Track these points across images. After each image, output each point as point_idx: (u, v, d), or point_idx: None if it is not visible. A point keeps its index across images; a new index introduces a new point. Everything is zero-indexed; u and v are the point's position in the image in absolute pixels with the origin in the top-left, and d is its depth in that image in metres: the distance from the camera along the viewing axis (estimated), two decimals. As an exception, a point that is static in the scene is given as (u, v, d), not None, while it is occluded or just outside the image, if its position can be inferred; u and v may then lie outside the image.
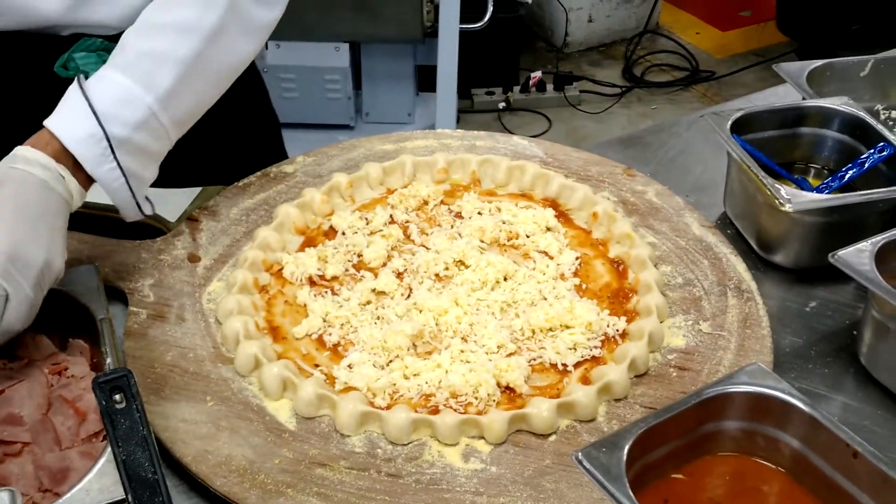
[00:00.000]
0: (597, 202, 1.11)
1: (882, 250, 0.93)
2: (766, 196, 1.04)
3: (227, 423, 0.86)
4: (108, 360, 0.82)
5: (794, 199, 1.01)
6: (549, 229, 1.09)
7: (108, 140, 0.87)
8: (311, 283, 1.01)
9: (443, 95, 2.63)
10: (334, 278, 1.02)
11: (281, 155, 1.40)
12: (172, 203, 1.09)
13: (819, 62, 1.31)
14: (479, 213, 1.11)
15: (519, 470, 0.83)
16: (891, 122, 1.36)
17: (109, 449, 0.70)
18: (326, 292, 1.00)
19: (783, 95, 1.41)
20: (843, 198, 1.05)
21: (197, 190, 1.13)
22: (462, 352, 0.92)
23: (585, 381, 0.90)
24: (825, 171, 1.21)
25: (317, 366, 0.92)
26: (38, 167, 0.85)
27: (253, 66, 1.32)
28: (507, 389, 0.90)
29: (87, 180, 0.89)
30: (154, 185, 0.96)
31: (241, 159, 1.23)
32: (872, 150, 1.13)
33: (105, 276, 0.99)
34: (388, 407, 0.87)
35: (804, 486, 0.76)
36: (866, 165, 1.13)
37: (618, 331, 0.96)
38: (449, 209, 1.13)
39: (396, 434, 0.85)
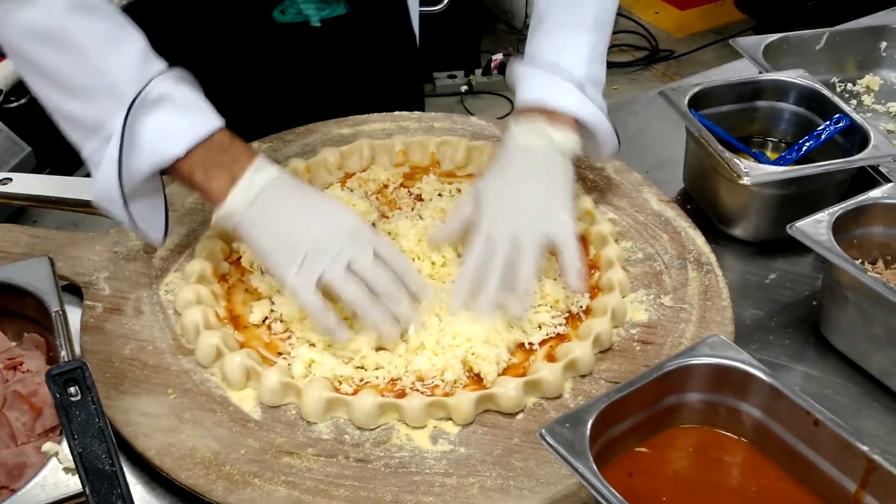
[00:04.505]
0: (557, 181, 1.11)
1: (839, 220, 0.94)
2: (724, 170, 1.04)
3: (190, 415, 0.84)
4: (63, 354, 0.81)
5: (751, 171, 1.02)
6: (510, 209, 1.08)
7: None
8: (272, 270, 1.00)
9: (404, 79, 2.61)
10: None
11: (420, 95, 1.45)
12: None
13: (775, 36, 1.32)
14: (440, 195, 1.10)
15: (488, 449, 0.83)
16: (846, 95, 1.38)
17: (65, 442, 0.68)
18: (288, 279, 0.98)
19: (741, 71, 1.41)
20: (800, 170, 1.06)
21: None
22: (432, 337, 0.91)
23: (551, 358, 0.90)
24: (782, 144, 1.22)
25: (280, 354, 0.91)
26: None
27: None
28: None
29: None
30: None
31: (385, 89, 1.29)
32: (828, 122, 1.14)
33: (58, 269, 0.96)
34: (355, 392, 0.86)
35: (767, 456, 0.77)
36: (823, 137, 1.14)
37: (581, 307, 0.96)
38: (409, 192, 1.12)
39: (363, 419, 0.84)
